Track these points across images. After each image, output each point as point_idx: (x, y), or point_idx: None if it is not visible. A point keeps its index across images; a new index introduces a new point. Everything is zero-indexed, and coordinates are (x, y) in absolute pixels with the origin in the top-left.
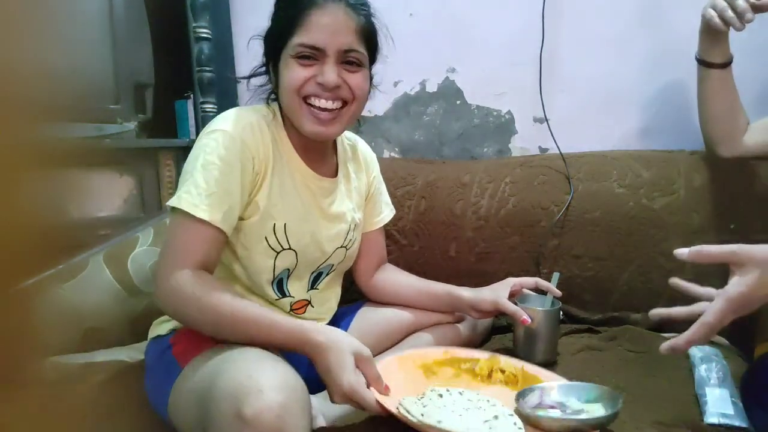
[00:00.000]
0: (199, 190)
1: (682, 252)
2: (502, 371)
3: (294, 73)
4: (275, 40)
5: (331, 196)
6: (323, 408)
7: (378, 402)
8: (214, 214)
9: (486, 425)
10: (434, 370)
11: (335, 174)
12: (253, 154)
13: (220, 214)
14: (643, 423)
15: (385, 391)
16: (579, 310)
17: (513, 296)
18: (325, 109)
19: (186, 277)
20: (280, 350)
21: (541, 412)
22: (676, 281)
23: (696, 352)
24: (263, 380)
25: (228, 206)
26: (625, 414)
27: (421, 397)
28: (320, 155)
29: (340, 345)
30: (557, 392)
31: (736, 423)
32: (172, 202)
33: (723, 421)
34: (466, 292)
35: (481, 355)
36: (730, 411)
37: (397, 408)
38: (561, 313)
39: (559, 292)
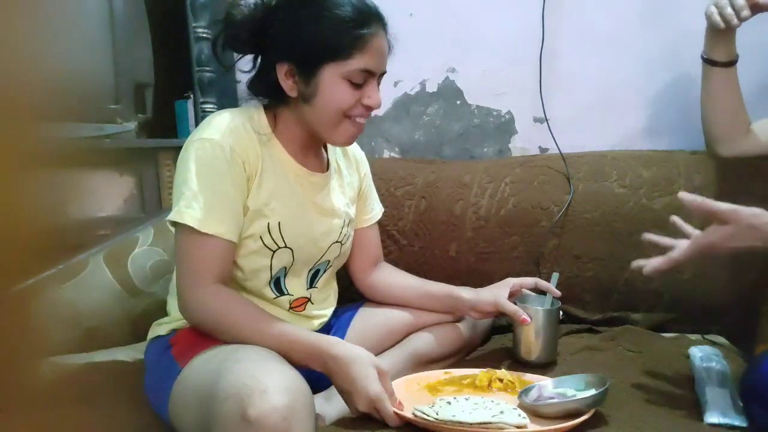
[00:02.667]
0: (200, 204)
1: (686, 196)
2: (500, 380)
3: (345, 95)
4: (315, 52)
5: (324, 191)
6: (323, 409)
7: (396, 413)
8: (220, 227)
9: (495, 417)
10: (438, 388)
11: (326, 169)
12: (243, 159)
13: (224, 225)
14: (642, 423)
15: (398, 406)
16: (579, 310)
17: (512, 296)
18: (362, 124)
19: (208, 295)
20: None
21: (541, 402)
22: (648, 236)
23: (696, 352)
24: (268, 381)
25: (230, 216)
26: (625, 414)
27: (432, 406)
28: (314, 151)
29: (363, 358)
30: (553, 386)
31: (736, 423)
32: (175, 216)
33: (723, 421)
34: (465, 293)
35: (478, 371)
36: (731, 411)
37: (413, 413)
38: (561, 312)
39: (558, 293)
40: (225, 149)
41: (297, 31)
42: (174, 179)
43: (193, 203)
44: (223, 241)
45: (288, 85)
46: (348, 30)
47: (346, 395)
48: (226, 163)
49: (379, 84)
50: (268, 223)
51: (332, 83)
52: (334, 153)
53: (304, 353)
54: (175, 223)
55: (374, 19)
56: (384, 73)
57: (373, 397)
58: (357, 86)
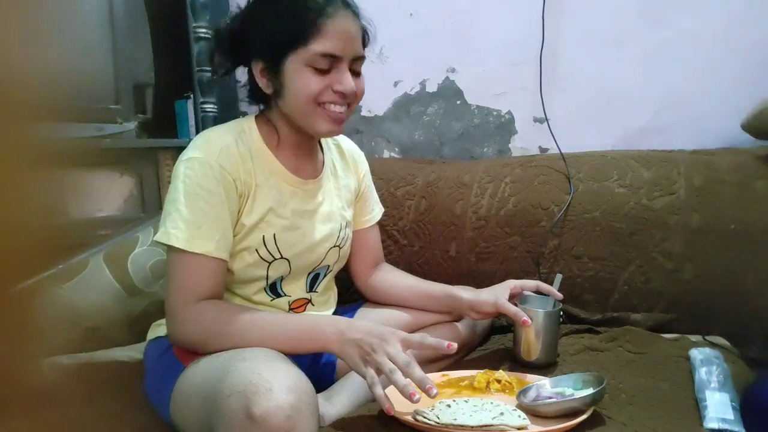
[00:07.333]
0: (188, 224)
1: None
2: (498, 381)
3: (310, 81)
4: (276, 44)
5: (318, 197)
6: (324, 409)
7: (396, 417)
8: (208, 245)
9: (495, 419)
10: None
11: (320, 173)
12: (234, 177)
13: (213, 244)
14: (642, 426)
15: (388, 410)
16: (579, 310)
17: (513, 297)
18: (339, 112)
19: (199, 313)
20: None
21: (540, 402)
22: None
23: (696, 354)
24: (274, 380)
25: (220, 233)
26: (625, 416)
27: (432, 409)
28: (309, 155)
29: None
30: (551, 385)
31: (736, 428)
32: (161, 238)
33: (723, 426)
34: (465, 294)
35: (476, 372)
36: (730, 416)
37: (414, 417)
38: (561, 313)
39: (560, 295)
40: (214, 167)
41: (261, 27)
42: (166, 197)
43: (180, 223)
44: (212, 259)
45: (263, 82)
46: (303, 16)
47: (372, 336)
48: (216, 181)
49: (356, 69)
50: (263, 236)
51: (296, 72)
52: (330, 154)
53: (314, 326)
54: (166, 244)
55: (332, 2)
56: (359, 57)
57: (402, 333)
58: (322, 72)
